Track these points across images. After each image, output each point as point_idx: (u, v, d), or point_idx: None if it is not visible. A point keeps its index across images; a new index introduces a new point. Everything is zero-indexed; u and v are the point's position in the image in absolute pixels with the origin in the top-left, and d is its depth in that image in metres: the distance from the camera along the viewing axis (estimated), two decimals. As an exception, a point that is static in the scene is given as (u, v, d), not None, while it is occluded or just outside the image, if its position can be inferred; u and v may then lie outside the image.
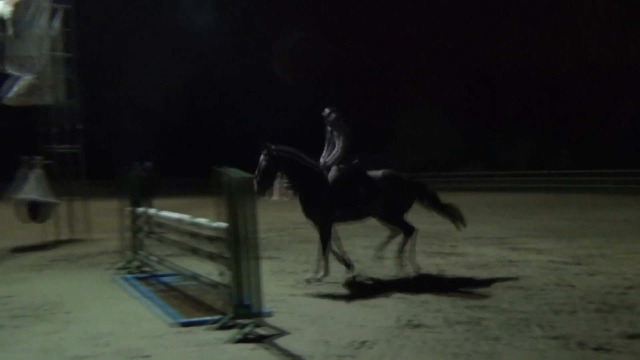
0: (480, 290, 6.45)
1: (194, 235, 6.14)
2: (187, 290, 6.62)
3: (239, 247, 4.95)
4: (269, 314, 5.28)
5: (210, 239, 5.56)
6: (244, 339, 4.71)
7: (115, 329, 5.15)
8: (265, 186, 6.93)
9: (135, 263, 8.11)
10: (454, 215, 7.78)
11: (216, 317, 5.25)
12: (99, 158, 20.06)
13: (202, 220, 5.82)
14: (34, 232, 12.07)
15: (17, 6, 11.19)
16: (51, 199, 12.13)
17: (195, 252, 6.13)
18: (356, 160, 7.37)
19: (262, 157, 6.80)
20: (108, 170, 9.70)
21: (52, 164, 12.20)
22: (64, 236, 12.06)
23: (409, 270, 7.39)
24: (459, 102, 39.73)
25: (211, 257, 5.56)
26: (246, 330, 4.82)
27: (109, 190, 11.03)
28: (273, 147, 6.84)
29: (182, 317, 5.43)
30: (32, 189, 11.97)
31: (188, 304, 6.09)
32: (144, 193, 8.68)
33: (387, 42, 42.46)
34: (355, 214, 7.39)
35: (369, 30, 42.52)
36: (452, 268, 7.90)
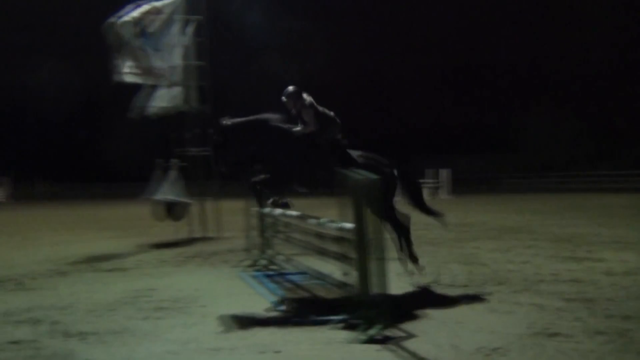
0: (621, 299, 5.99)
1: (319, 235, 6.26)
2: (313, 289, 6.77)
3: (365, 248, 4.98)
4: (396, 316, 5.25)
5: (336, 239, 5.64)
6: (371, 340, 4.73)
7: (247, 324, 5.37)
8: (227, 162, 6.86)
9: (263, 261, 8.43)
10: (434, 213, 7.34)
11: (342, 316, 5.32)
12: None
13: (328, 221, 5.92)
14: (169, 230, 12.90)
15: (150, 18, 12.03)
16: (185, 199, 12.93)
17: (320, 252, 6.24)
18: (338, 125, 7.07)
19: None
20: (236, 171, 10.27)
21: (186, 166, 13.01)
22: (197, 234, 12.80)
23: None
24: (588, 101, 37.47)
25: (337, 257, 5.64)
26: (373, 331, 4.83)
27: (238, 190, 11.51)
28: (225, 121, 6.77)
29: (310, 315, 5.55)
30: (168, 189, 12.82)
31: (314, 302, 6.22)
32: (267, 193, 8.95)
33: (517, 40, 40.96)
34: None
35: (501, 28, 41.27)
36: (588, 274, 7.41)
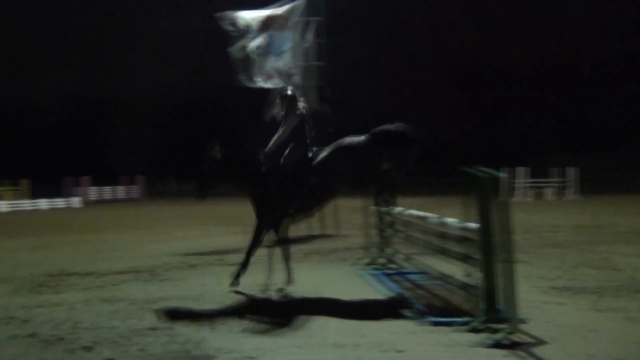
0: None
1: (441, 234, 6.14)
2: (434, 289, 6.66)
3: (491, 249, 4.82)
4: (523, 321, 5.03)
5: (459, 239, 5.50)
6: (497, 345, 4.57)
7: (368, 322, 5.40)
8: (205, 192, 6.88)
9: (382, 260, 8.42)
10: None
11: (466, 319, 5.18)
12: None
13: (450, 220, 5.79)
14: (289, 228, 13.23)
15: (274, 22, 12.45)
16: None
17: (442, 251, 6.12)
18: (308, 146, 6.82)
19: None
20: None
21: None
22: (316, 232, 13.03)
23: None
24: None
25: (460, 258, 5.50)
26: (499, 335, 4.67)
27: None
28: (214, 149, 6.71)
29: (432, 315, 5.47)
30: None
31: (435, 303, 6.12)
32: (387, 192, 8.92)
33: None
34: (315, 201, 6.84)
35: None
36: None
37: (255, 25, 12.35)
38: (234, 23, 12.16)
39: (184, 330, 5.26)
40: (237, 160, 6.81)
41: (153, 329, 5.29)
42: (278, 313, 5.86)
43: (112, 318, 5.72)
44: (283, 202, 6.70)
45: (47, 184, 32.50)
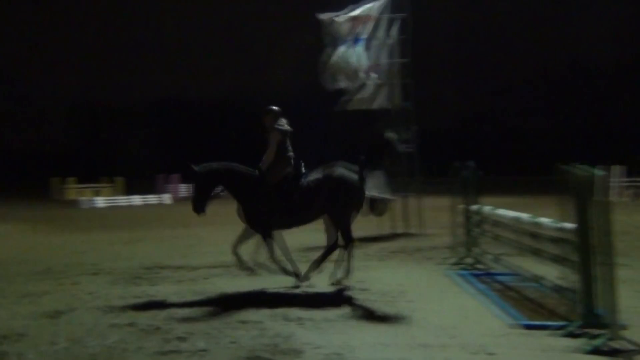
0: None
1: (533, 235, 5.92)
2: (526, 292, 6.43)
3: (589, 251, 4.60)
4: (623, 327, 4.75)
5: (554, 240, 5.28)
6: (596, 351, 4.35)
7: (457, 323, 5.30)
8: (202, 206, 7.03)
9: (469, 260, 8.23)
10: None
11: (561, 323, 4.97)
12: (431, 156, 20.92)
13: (544, 220, 5.57)
14: (372, 225, 13.19)
15: (362, 22, 12.51)
16: (388, 196, 13.12)
17: (535, 252, 5.90)
18: (291, 162, 7.09)
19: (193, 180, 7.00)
20: (440, 168, 10.11)
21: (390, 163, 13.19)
22: (399, 230, 12.93)
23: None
24: None
25: (554, 259, 5.28)
26: (598, 341, 4.44)
27: (441, 187, 11.40)
28: (196, 167, 6.93)
29: (524, 318, 5.29)
30: (372, 186, 13.12)
31: (527, 305, 5.90)
32: (474, 191, 8.72)
33: None
34: (292, 220, 7.07)
35: None
36: None
37: (345, 28, 12.53)
38: (329, 27, 12.43)
39: (273, 324, 5.37)
40: (228, 175, 7.12)
41: (243, 322, 5.43)
42: (364, 310, 5.87)
43: (204, 310, 5.92)
44: (265, 215, 7.00)
45: (141, 181, 34.13)
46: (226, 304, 6.20)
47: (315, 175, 7.10)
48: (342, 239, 7.17)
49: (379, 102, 12.92)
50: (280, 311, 5.82)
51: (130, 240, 12.57)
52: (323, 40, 12.63)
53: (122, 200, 29.61)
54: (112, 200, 28.90)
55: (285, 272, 7.19)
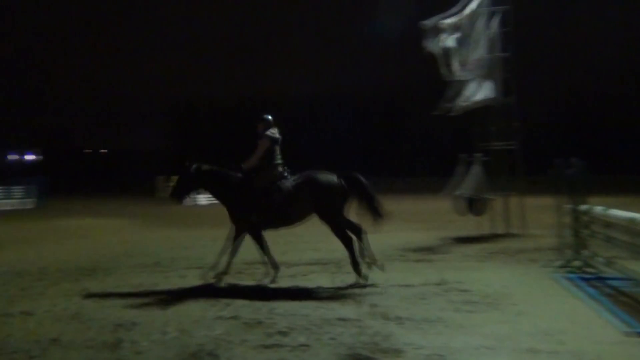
0: None
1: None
2: (642, 298, 6.01)
3: None
4: None
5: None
6: None
7: (565, 328, 5.04)
8: (179, 197, 7.82)
9: (577, 263, 7.81)
10: (377, 211, 7.52)
11: (684, 333, 4.60)
12: (534, 154, 20.12)
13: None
14: (471, 225, 12.85)
15: (463, 18, 12.26)
16: (487, 195, 12.72)
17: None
18: (278, 168, 7.55)
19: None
20: (542, 166, 9.82)
21: (490, 160, 12.79)
22: (500, 230, 12.49)
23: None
24: None
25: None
26: None
27: (543, 186, 10.89)
28: (193, 165, 7.62)
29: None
30: (469, 185, 12.77)
31: (645, 313, 5.52)
32: (582, 190, 8.29)
33: None
34: (273, 220, 7.49)
35: None
36: None
37: (449, 26, 12.39)
38: (433, 30, 12.36)
39: (372, 323, 5.35)
40: (210, 175, 7.73)
41: (342, 319, 5.45)
42: (464, 312, 5.72)
43: (304, 306, 6.01)
44: (245, 212, 7.49)
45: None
46: (325, 301, 6.27)
47: (296, 180, 7.52)
48: (340, 240, 7.44)
49: (480, 99, 12.54)
50: (379, 310, 5.80)
51: (230, 236, 12.94)
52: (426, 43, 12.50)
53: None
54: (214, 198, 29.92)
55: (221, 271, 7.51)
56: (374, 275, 7.66)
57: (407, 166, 47.00)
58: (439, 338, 4.85)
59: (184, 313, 5.86)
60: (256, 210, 7.42)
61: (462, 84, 12.55)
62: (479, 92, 12.45)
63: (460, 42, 12.39)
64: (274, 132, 7.74)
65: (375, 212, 7.61)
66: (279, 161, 7.68)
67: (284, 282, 7.38)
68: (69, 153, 66.94)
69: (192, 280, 7.63)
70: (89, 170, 60.09)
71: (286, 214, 7.45)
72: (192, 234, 13.57)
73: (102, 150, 72.80)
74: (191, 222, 16.77)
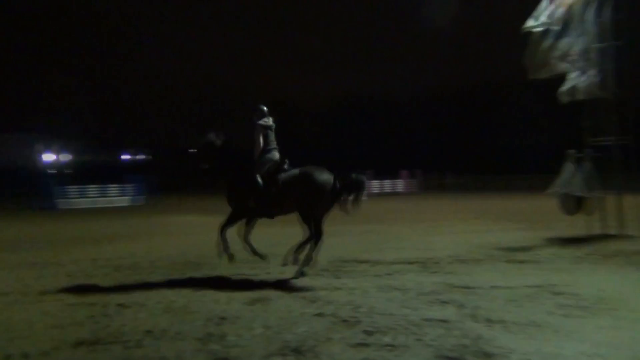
0: None
1: None
2: None
3: None
4: None
5: None
6: None
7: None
8: (195, 166, 8.26)
9: None
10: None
11: None
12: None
13: None
14: (580, 225, 12.12)
15: (568, 6, 11.63)
16: (595, 193, 11.94)
17: None
18: (274, 152, 7.98)
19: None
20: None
21: (601, 157, 11.98)
22: (613, 231, 11.68)
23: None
24: None
25: None
26: None
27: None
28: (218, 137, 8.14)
29: None
30: (578, 182, 12.04)
31: None
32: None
33: None
34: (267, 210, 7.88)
35: None
36: None
37: (553, 16, 11.88)
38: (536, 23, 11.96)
39: (474, 325, 5.15)
40: (225, 152, 8.17)
41: (443, 321, 5.28)
42: (558, 316, 5.39)
43: (404, 306, 5.89)
44: (242, 197, 7.86)
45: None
46: (412, 300, 6.13)
47: (292, 172, 7.80)
48: (310, 232, 7.67)
49: (591, 90, 11.79)
50: (482, 312, 5.58)
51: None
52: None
53: None
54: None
55: (224, 249, 8.00)
56: (477, 276, 7.43)
57: (510, 163, 45.34)
58: (547, 345, 4.57)
59: (270, 309, 5.93)
60: (254, 197, 7.75)
61: (572, 76, 11.92)
62: (585, 83, 11.74)
63: (562, 33, 11.79)
64: (267, 120, 8.14)
65: (355, 206, 7.82)
66: (274, 147, 8.10)
67: (370, 281, 7.28)
68: (176, 153, 70.39)
69: (281, 277, 7.69)
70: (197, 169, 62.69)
71: (279, 204, 7.78)
72: (287, 231, 13.73)
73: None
74: (285, 219, 16.88)
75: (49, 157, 56.22)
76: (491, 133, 52.67)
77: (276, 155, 8.04)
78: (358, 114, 64.67)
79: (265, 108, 8.23)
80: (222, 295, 6.58)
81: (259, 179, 7.76)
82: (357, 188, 7.74)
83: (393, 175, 39.21)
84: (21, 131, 62.44)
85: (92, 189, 28.96)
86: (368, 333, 4.98)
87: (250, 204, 7.83)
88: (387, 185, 38.22)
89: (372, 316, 5.52)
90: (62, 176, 35.51)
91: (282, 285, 7.14)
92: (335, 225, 14.92)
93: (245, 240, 8.16)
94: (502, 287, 6.74)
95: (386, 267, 8.30)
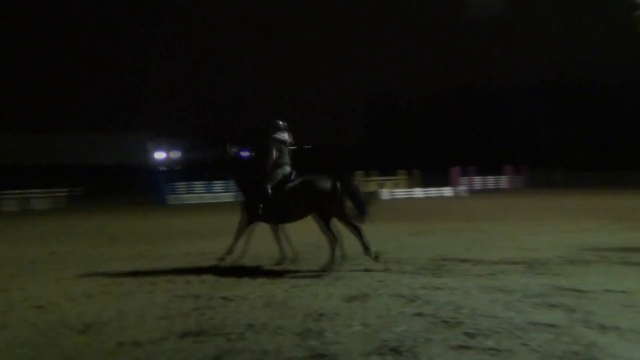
0: None
1: None
2: None
3: None
4: None
5: None
6: None
7: None
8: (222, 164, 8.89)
9: None
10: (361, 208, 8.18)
11: None
12: None
13: None
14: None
15: None
16: None
17: None
18: (285, 167, 8.53)
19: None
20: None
21: None
22: None
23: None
24: None
25: None
26: None
27: None
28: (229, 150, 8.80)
29: None
30: None
31: None
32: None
33: None
34: (275, 216, 8.46)
35: None
36: None
37: None
38: None
39: (586, 331, 4.83)
40: (238, 162, 8.94)
41: (552, 325, 4.99)
42: None
43: (508, 308, 5.63)
44: (253, 203, 8.46)
45: (436, 174, 34.79)
46: (517, 303, 5.85)
47: (296, 181, 8.42)
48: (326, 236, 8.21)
49: None
50: (595, 317, 5.21)
51: (414, 231, 12.77)
52: None
53: (406, 192, 30.42)
54: (397, 193, 29.87)
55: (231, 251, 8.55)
56: (588, 279, 6.99)
57: (626, 158, 42.44)
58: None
59: (369, 307, 5.87)
60: (263, 204, 8.34)
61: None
62: None
63: None
64: (283, 135, 8.70)
65: (361, 211, 8.23)
66: (287, 162, 8.65)
67: (472, 281, 7.03)
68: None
69: (377, 274, 7.63)
70: (297, 166, 64.08)
71: (286, 211, 8.38)
72: (390, 228, 13.64)
73: (306, 147, 77.24)
74: (391, 217, 16.82)
75: (159, 155, 59.42)
76: (605, 127, 49.59)
77: (287, 170, 8.60)
78: (461, 106, 63.18)
79: (282, 123, 8.76)
80: (321, 291, 6.63)
81: (269, 190, 8.36)
82: (353, 193, 8.31)
83: (497, 171, 37.92)
84: (134, 130, 66.93)
85: (199, 186, 30.30)
86: (470, 335, 4.81)
87: (259, 211, 8.39)
88: (490, 181, 36.99)
89: (474, 318, 5.33)
90: (172, 173, 37.43)
91: (380, 283, 7.06)
92: (434, 223, 14.70)
93: (279, 241, 8.81)
94: (617, 291, 6.28)
95: (489, 267, 7.99)
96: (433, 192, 30.70)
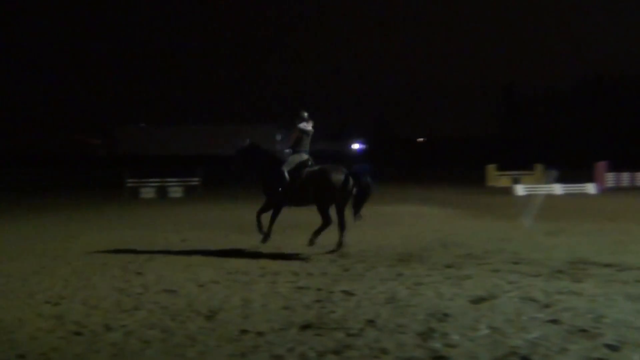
0: None
1: None
2: None
3: None
4: None
5: None
6: None
7: None
8: (237, 173, 10.03)
9: None
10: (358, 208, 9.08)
11: None
12: None
13: None
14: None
15: None
16: None
17: None
18: (303, 155, 9.40)
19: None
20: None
21: None
22: None
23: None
24: None
25: None
26: None
27: None
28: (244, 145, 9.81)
29: None
30: None
31: None
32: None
33: None
34: (293, 200, 9.37)
35: None
36: None
37: None
38: None
39: None
40: (254, 152, 9.76)
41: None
42: None
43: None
44: (272, 188, 9.30)
45: (575, 170, 32.56)
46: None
47: (313, 169, 9.18)
48: (323, 221, 9.17)
49: None
50: None
51: (550, 231, 11.80)
52: None
53: (544, 188, 28.41)
54: (533, 189, 27.90)
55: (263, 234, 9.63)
56: None
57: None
58: None
59: (497, 309, 5.53)
60: (282, 189, 9.10)
61: None
62: None
63: None
64: (306, 125, 9.39)
65: (356, 210, 9.09)
66: (305, 149, 9.41)
67: (615, 288, 6.38)
68: (392, 142, 72.17)
69: (508, 275, 7.19)
70: (415, 158, 63.53)
71: (301, 196, 9.15)
72: (511, 226, 12.88)
73: (419, 139, 76.02)
74: (508, 214, 15.82)
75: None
76: None
77: (304, 156, 9.38)
78: (602, 97, 58.84)
79: (306, 114, 9.43)
80: (446, 290, 6.36)
81: (286, 174, 9.10)
82: (364, 192, 9.04)
83: (634, 167, 34.64)
84: (263, 122, 70.02)
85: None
86: (612, 348, 4.35)
87: (279, 194, 9.20)
88: (625, 178, 33.69)
89: (617, 329, 4.83)
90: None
91: (511, 285, 6.63)
92: (573, 222, 13.54)
93: (270, 225, 9.72)
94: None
95: (636, 273, 7.22)
96: (574, 188, 28.47)
